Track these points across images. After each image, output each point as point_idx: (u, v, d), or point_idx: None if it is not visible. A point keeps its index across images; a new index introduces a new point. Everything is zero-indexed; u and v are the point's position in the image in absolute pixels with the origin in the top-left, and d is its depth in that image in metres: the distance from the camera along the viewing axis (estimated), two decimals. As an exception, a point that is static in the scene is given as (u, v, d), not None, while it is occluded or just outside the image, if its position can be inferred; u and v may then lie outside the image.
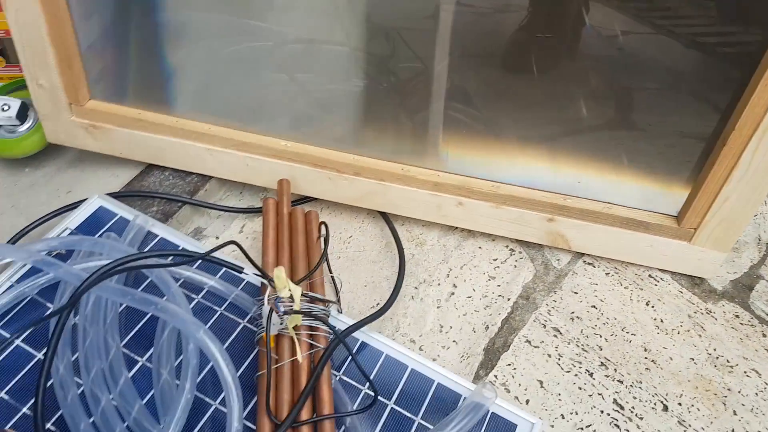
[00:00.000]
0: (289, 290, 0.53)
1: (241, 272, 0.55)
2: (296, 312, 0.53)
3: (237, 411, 0.49)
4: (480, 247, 0.70)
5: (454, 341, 0.61)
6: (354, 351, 0.58)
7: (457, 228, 0.71)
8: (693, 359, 0.60)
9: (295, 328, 0.54)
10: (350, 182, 0.68)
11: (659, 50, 0.61)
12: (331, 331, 0.56)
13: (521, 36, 0.62)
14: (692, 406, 0.57)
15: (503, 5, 0.61)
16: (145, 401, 0.52)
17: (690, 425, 0.56)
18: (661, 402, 0.57)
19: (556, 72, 0.63)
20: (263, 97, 0.69)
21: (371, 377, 0.56)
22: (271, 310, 0.52)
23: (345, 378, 0.56)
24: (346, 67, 0.66)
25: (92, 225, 0.65)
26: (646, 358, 0.60)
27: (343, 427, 0.52)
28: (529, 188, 0.65)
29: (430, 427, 0.53)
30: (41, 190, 0.75)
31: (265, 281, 0.56)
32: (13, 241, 0.66)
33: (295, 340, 0.53)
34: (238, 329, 0.58)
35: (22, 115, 0.73)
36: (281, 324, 0.53)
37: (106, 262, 0.53)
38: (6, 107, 0.72)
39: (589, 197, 0.65)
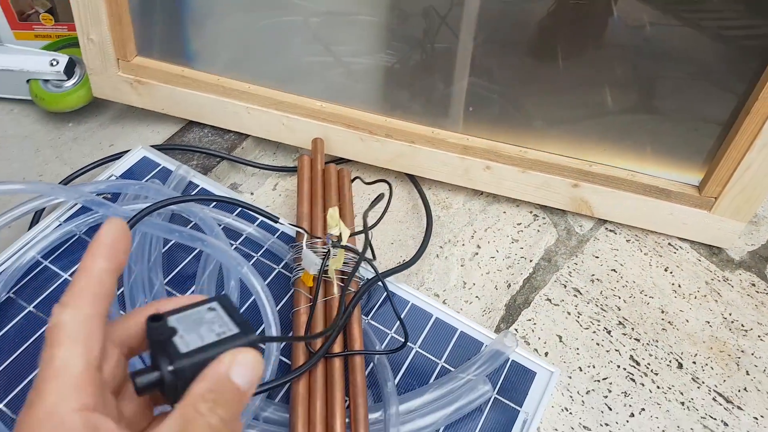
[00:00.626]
0: (339, 230, 0.56)
1: (276, 222, 0.59)
2: (343, 246, 0.56)
3: (276, 343, 0.52)
4: (504, 212, 0.72)
5: (476, 297, 0.64)
6: (382, 299, 0.61)
7: (482, 193, 0.74)
8: (708, 322, 0.63)
9: (326, 282, 0.57)
10: (381, 144, 0.71)
11: (684, 42, 0.63)
12: (360, 277, 0.59)
13: (549, 22, 0.64)
14: (706, 365, 0.60)
15: None
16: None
17: (703, 382, 0.58)
18: (676, 360, 0.60)
19: (581, 59, 0.66)
20: (299, 62, 0.73)
21: (397, 325, 0.59)
22: (319, 252, 0.56)
23: (373, 323, 0.59)
24: (379, 36, 0.69)
25: (136, 174, 0.68)
26: (662, 319, 0.63)
27: (371, 365, 0.55)
28: (555, 154, 0.68)
29: (452, 369, 0.56)
30: (84, 143, 0.79)
31: (300, 230, 0.59)
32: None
33: (333, 279, 0.56)
34: (273, 274, 0.62)
35: (69, 70, 0.77)
36: (317, 266, 0.56)
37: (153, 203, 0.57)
38: (54, 62, 0.76)
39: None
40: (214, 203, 0.64)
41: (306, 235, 0.59)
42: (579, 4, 0.63)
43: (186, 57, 0.73)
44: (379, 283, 0.59)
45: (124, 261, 0.29)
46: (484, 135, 0.69)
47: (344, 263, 0.58)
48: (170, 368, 0.28)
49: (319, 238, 0.60)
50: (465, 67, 0.68)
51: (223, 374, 0.27)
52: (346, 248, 0.57)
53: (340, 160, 0.76)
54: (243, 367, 0.27)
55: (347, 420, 0.50)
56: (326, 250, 0.57)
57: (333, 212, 0.57)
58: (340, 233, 0.56)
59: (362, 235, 0.59)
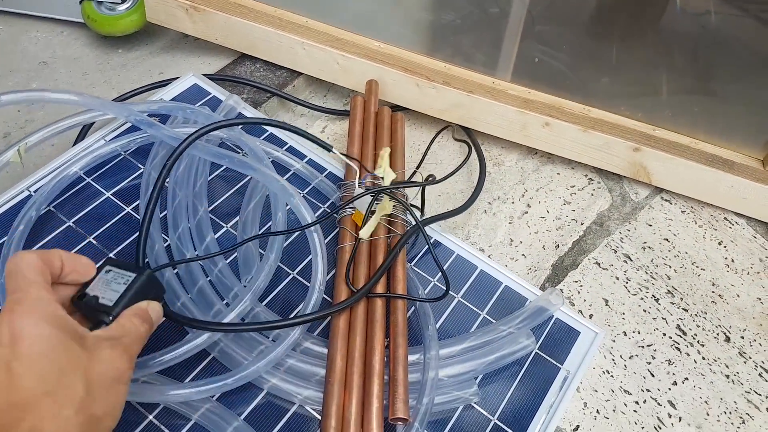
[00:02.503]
0: (383, 172, 0.56)
1: (329, 151, 0.58)
2: (388, 192, 0.55)
3: (321, 273, 0.52)
4: (558, 173, 0.71)
5: (522, 255, 0.64)
6: (426, 248, 0.61)
7: (537, 152, 0.73)
8: (760, 299, 0.62)
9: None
10: (438, 91, 0.70)
11: (743, 31, 0.61)
12: (407, 221, 0.59)
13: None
14: (754, 341, 0.59)
15: None
16: (228, 262, 0.56)
17: (750, 357, 0.57)
18: (724, 333, 0.59)
19: (637, 40, 0.64)
20: (360, 1, 0.71)
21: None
22: (368, 190, 0.55)
23: (417, 269, 0.59)
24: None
25: (185, 100, 0.68)
26: (713, 292, 0.62)
27: (413, 308, 0.55)
28: (620, 114, 0.66)
29: (494, 321, 0.55)
30: (133, 69, 0.79)
31: (351, 164, 0.59)
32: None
33: (379, 220, 0.56)
34: (319, 212, 0.61)
35: (125, -7, 0.77)
36: (367, 206, 0.56)
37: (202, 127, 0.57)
38: (111, -17, 0.76)
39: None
40: (268, 133, 0.64)
41: (358, 172, 0.59)
42: None
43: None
44: (430, 226, 0.58)
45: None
46: (545, 90, 0.67)
47: (393, 207, 0.57)
48: (111, 318, 0.41)
49: (370, 172, 0.59)
50: (522, 19, 0.66)
51: (144, 308, 0.42)
52: (392, 195, 0.56)
53: (393, 108, 0.75)
54: (156, 307, 0.43)
55: (386, 358, 0.50)
56: (376, 191, 0.56)
57: (384, 153, 0.57)
58: (383, 176, 0.56)
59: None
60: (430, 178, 0.59)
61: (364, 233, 0.55)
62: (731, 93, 0.64)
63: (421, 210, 0.61)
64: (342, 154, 0.59)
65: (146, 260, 0.52)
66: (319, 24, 0.71)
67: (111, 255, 0.55)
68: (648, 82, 0.66)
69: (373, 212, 0.56)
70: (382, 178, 0.56)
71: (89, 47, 0.81)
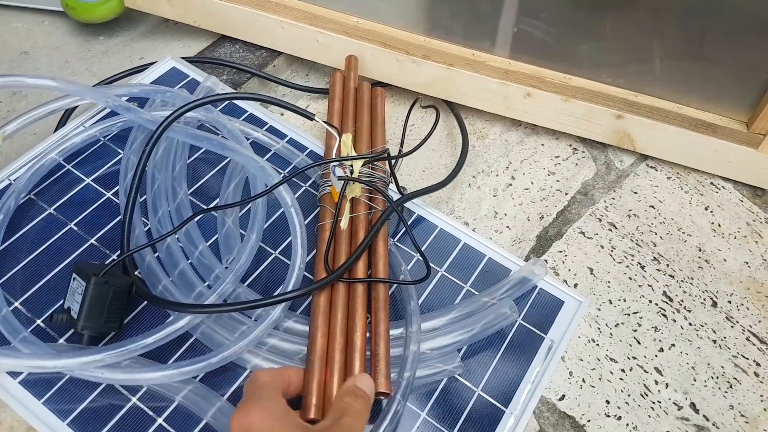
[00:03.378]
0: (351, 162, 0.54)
1: (312, 119, 0.56)
2: (356, 179, 0.54)
3: (301, 252, 0.51)
4: (542, 144, 0.70)
5: (507, 227, 0.63)
6: (409, 222, 0.60)
7: (520, 124, 0.72)
8: (747, 263, 0.61)
9: (354, 200, 0.56)
10: (418, 65, 0.68)
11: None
12: (388, 197, 0.58)
13: None
14: (742, 305, 0.58)
15: None
16: (208, 244, 0.55)
17: (737, 322, 0.56)
18: (711, 298, 0.58)
19: (618, 6, 0.62)
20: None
21: (424, 249, 0.58)
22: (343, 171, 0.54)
23: (399, 245, 0.58)
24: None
25: (164, 84, 0.67)
26: (699, 257, 0.61)
27: (395, 285, 0.54)
28: (600, 82, 0.65)
29: (477, 294, 0.55)
30: (114, 56, 0.78)
31: (331, 130, 0.57)
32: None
33: (361, 197, 0.55)
34: (300, 191, 0.61)
35: (102, -21, 0.75)
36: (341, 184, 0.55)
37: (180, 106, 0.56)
38: (87, -31, 0.75)
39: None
40: (247, 113, 0.62)
41: (338, 140, 0.57)
42: None
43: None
44: (409, 209, 0.57)
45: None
46: (526, 60, 0.66)
47: (371, 183, 0.56)
48: (79, 329, 0.46)
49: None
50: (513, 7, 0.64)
51: (352, 384, 0.44)
52: (362, 177, 0.55)
53: (374, 84, 0.74)
54: (364, 379, 0.45)
55: (368, 334, 0.49)
56: (350, 171, 0.55)
57: (346, 139, 0.55)
58: (352, 165, 0.54)
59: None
60: (386, 153, 0.57)
61: (343, 224, 0.54)
62: (714, 56, 0.62)
63: (396, 185, 0.59)
64: (324, 122, 0.57)
65: (145, 261, 0.52)
66: (295, 2, 0.70)
67: (93, 241, 0.55)
68: (629, 47, 0.64)
69: (344, 197, 0.55)
70: (351, 166, 0.55)
71: (70, 35, 0.80)
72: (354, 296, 0.51)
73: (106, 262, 0.51)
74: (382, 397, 0.46)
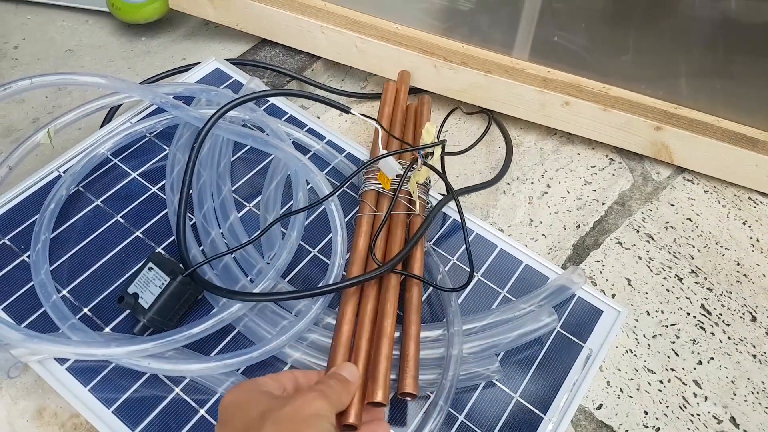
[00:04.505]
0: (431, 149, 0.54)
1: (348, 112, 0.56)
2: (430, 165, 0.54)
3: (341, 249, 0.51)
4: (578, 154, 0.69)
5: (543, 235, 0.62)
6: (446, 226, 0.59)
7: (556, 133, 0.71)
8: (788, 279, 0.60)
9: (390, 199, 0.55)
10: (455, 72, 0.68)
11: (762, 12, 0.58)
12: (427, 202, 0.58)
13: None
14: (782, 320, 0.57)
15: None
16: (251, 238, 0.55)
17: (778, 337, 0.56)
18: (750, 313, 0.57)
19: (656, 20, 0.62)
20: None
21: (459, 253, 0.57)
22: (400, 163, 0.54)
23: (436, 248, 0.57)
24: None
25: (208, 84, 0.67)
26: (738, 271, 0.60)
27: (430, 289, 0.54)
28: (640, 93, 0.64)
29: (514, 300, 0.54)
30: (156, 56, 0.79)
31: (370, 121, 0.56)
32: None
33: (414, 192, 0.54)
34: (344, 182, 0.60)
35: (148, -20, 0.76)
36: (395, 172, 0.54)
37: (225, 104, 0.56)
38: (134, -30, 0.76)
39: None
40: (288, 115, 0.63)
41: (381, 132, 0.57)
42: None
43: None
44: (445, 213, 0.57)
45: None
46: (566, 69, 0.65)
47: (434, 169, 0.55)
48: (145, 319, 0.47)
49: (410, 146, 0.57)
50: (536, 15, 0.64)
51: (334, 370, 0.44)
52: (426, 163, 0.55)
53: (412, 90, 0.74)
54: (347, 368, 0.44)
55: (398, 334, 0.48)
56: (411, 160, 0.55)
57: (430, 127, 0.55)
58: (432, 150, 0.54)
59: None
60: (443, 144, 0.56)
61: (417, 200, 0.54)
62: (753, 73, 0.62)
63: (443, 176, 0.58)
64: (362, 114, 0.57)
65: (190, 253, 0.52)
66: (337, 8, 0.70)
67: (138, 233, 0.55)
68: (668, 62, 0.63)
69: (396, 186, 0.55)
70: (431, 155, 0.54)
71: (114, 35, 0.81)
72: (387, 287, 0.50)
73: (179, 263, 0.51)
74: (409, 398, 0.46)
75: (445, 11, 0.69)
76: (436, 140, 0.54)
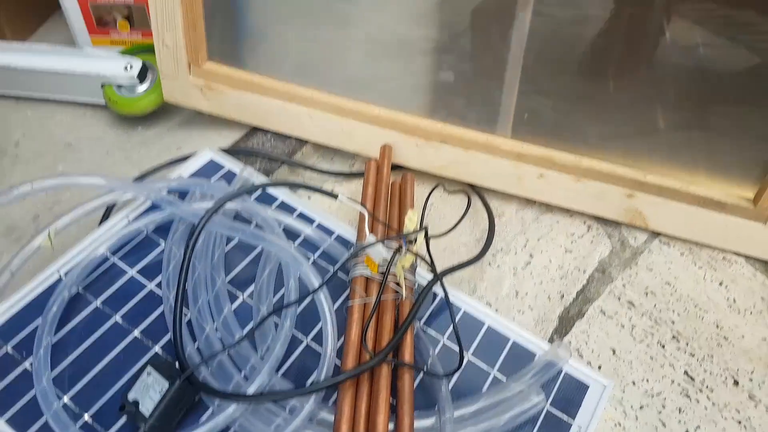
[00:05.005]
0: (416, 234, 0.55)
1: (336, 198, 0.57)
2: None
3: (331, 342, 0.51)
4: (558, 222, 0.70)
5: (529, 307, 0.62)
6: (434, 304, 0.59)
7: (535, 202, 0.72)
8: (765, 339, 0.59)
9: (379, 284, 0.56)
10: (435, 150, 0.69)
11: (737, 62, 0.60)
12: (414, 281, 0.58)
13: (600, 42, 0.62)
14: (763, 382, 0.56)
15: (582, 16, 0.62)
16: (244, 332, 0.55)
17: (760, 400, 0.55)
18: (732, 377, 0.57)
19: (633, 77, 0.64)
20: (360, 70, 0.72)
21: (449, 332, 0.57)
22: (399, 250, 0.54)
23: (426, 328, 0.57)
24: (436, 48, 0.68)
25: (203, 175, 0.68)
26: (717, 334, 0.60)
27: (421, 374, 0.53)
28: (611, 163, 0.65)
29: (505, 378, 0.54)
30: (153, 146, 0.80)
31: (363, 210, 0.58)
32: (132, 185, 0.70)
33: (401, 278, 0.55)
34: (328, 276, 0.61)
35: (142, 75, 0.78)
36: (382, 257, 0.55)
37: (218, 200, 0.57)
38: (129, 67, 0.77)
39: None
40: (279, 201, 0.64)
41: (367, 217, 0.58)
42: (630, 24, 0.61)
43: (253, 63, 0.73)
44: (433, 290, 0.57)
45: None
46: (538, 142, 0.67)
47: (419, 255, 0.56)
48: (146, 427, 0.46)
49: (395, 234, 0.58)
50: (517, 77, 0.66)
51: None
52: (410, 250, 0.55)
53: (395, 167, 0.75)
54: None
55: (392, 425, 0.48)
56: (396, 247, 0.56)
57: (412, 215, 0.56)
58: (416, 236, 0.55)
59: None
60: (425, 230, 0.57)
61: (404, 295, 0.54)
62: (720, 133, 0.63)
63: (427, 261, 0.59)
64: (349, 198, 0.58)
65: (186, 351, 0.52)
66: (323, 95, 0.71)
67: (136, 333, 0.55)
68: (635, 133, 0.65)
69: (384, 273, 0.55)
70: (415, 239, 0.55)
71: (111, 127, 0.82)
72: (378, 380, 0.50)
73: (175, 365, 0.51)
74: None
75: (424, 94, 0.70)
76: (419, 227, 0.55)
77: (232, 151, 0.74)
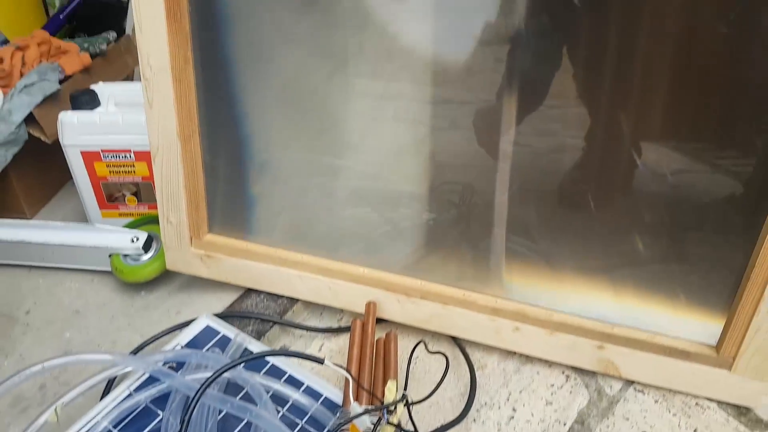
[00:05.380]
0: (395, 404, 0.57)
1: (321, 363, 0.60)
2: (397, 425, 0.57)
3: None
4: (538, 373, 0.72)
5: (513, 460, 0.63)
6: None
7: (515, 353, 0.75)
8: (745, 488, 0.60)
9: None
10: (416, 305, 0.73)
11: (714, 187, 0.61)
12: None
13: (576, 174, 0.66)
14: None
15: (558, 145, 0.66)
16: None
17: None
18: None
19: (607, 208, 0.67)
20: (345, 230, 0.78)
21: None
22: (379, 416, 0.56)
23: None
24: (414, 202, 0.74)
25: (200, 341, 0.72)
26: (698, 485, 0.60)
27: None
28: (580, 317, 0.69)
29: None
30: (154, 311, 0.83)
31: (349, 377, 0.60)
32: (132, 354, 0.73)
33: None
34: (314, 439, 0.62)
35: (147, 246, 0.84)
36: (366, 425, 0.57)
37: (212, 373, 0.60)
38: (136, 239, 0.83)
39: (636, 326, 0.68)
40: (269, 365, 0.67)
41: (351, 383, 0.60)
42: (602, 157, 0.64)
43: (249, 233, 0.79)
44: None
45: None
46: (511, 297, 0.71)
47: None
48: None
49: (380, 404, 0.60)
50: (501, 228, 0.71)
51: None
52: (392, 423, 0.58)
53: (380, 320, 0.78)
54: None
55: None
56: (377, 416, 0.58)
57: (391, 385, 0.59)
58: (396, 406, 0.57)
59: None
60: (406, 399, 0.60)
61: None
62: (691, 259, 0.66)
63: (414, 429, 0.61)
64: (335, 364, 0.60)
65: None
66: (312, 258, 0.77)
67: None
68: (599, 288, 0.69)
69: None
70: (394, 409, 0.57)
71: (116, 292, 0.86)
72: None
73: None
74: None
75: (404, 255, 0.76)
76: (398, 396, 0.58)
77: (227, 315, 0.78)
